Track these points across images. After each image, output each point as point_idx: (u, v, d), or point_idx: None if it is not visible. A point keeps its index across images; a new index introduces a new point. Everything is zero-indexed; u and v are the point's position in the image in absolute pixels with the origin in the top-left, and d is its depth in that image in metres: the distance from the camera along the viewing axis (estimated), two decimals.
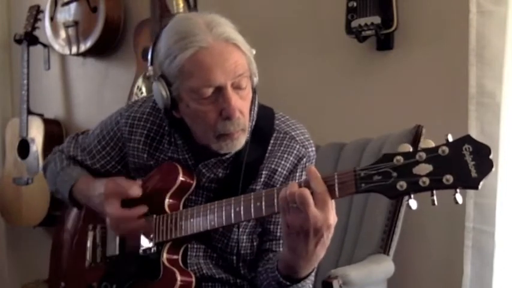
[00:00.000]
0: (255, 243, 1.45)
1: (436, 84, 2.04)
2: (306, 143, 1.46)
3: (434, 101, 2.05)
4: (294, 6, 2.39)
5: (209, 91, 1.31)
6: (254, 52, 1.38)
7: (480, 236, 1.88)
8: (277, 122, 1.47)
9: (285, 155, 1.43)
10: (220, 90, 1.31)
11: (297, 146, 1.44)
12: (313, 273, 1.31)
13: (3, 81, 3.57)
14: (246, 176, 1.41)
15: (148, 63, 1.40)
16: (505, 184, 1.85)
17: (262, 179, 1.42)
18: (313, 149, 1.47)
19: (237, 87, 1.32)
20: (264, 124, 1.46)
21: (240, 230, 1.42)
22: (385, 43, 2.12)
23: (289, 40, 2.41)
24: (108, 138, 1.57)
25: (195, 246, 1.45)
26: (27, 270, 3.43)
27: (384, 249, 1.81)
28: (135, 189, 1.43)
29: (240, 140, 1.37)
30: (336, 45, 2.25)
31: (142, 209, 1.42)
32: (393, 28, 2.05)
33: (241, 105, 1.34)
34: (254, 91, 1.42)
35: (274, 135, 1.45)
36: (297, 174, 1.44)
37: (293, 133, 1.45)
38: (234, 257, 1.45)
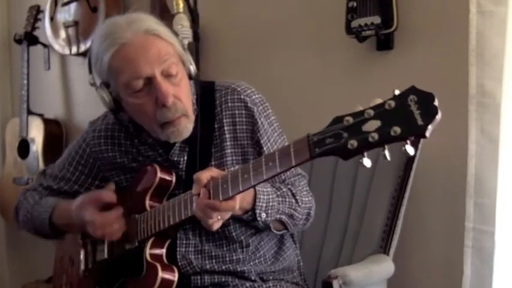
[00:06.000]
0: None
1: (436, 84, 2.02)
2: (248, 91, 1.49)
3: None
4: (294, 6, 2.39)
5: (140, 83, 1.35)
6: (186, 42, 1.42)
7: (480, 236, 1.87)
8: (216, 83, 1.51)
9: (236, 111, 1.46)
10: (150, 80, 1.35)
11: (241, 96, 1.47)
12: (261, 198, 1.36)
13: (3, 81, 3.57)
14: (205, 141, 1.44)
15: (88, 71, 1.43)
16: (505, 184, 1.85)
17: (227, 143, 1.45)
18: (258, 95, 1.50)
19: (167, 75, 1.36)
20: (206, 90, 1.49)
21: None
22: (385, 43, 2.11)
23: (289, 40, 2.41)
24: (78, 157, 1.60)
25: (185, 241, 1.47)
26: (27, 270, 3.43)
27: (384, 249, 1.81)
28: (109, 194, 1.47)
29: (184, 125, 1.40)
30: (336, 45, 2.25)
31: (119, 210, 1.45)
32: (393, 28, 2.05)
33: (176, 91, 1.37)
34: (195, 80, 1.46)
35: (217, 94, 1.48)
36: (259, 123, 1.47)
37: (233, 85, 1.49)
38: (234, 225, 1.46)
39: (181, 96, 1.38)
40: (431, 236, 2.06)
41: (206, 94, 1.48)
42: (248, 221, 1.41)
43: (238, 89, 1.48)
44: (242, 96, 1.47)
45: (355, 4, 2.07)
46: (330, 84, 2.31)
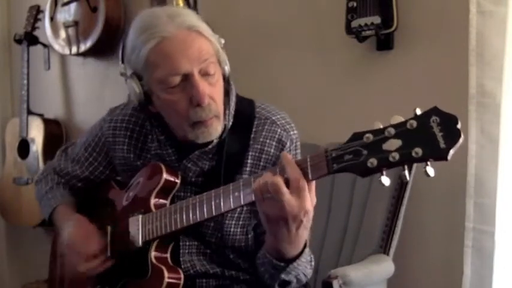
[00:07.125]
0: (249, 236, 1.45)
1: (436, 84, 2.04)
2: (287, 126, 1.46)
3: (434, 101, 2.02)
4: (294, 6, 2.39)
5: (176, 79, 1.32)
6: (223, 41, 1.40)
7: (480, 236, 1.88)
8: (257, 109, 1.48)
9: (268, 140, 1.43)
10: (187, 77, 1.32)
11: (278, 130, 1.44)
12: (305, 252, 1.30)
13: (3, 81, 3.57)
14: (230, 165, 1.42)
15: (120, 61, 1.41)
16: (505, 184, 1.85)
17: (248, 168, 1.42)
18: (295, 132, 1.47)
19: (204, 73, 1.33)
20: (245, 113, 1.46)
21: (233, 222, 1.43)
22: (385, 43, 2.12)
23: (289, 40, 2.42)
24: (94, 144, 1.59)
25: (188, 243, 1.46)
26: (27, 270, 3.43)
27: (384, 249, 1.81)
28: (99, 244, 1.47)
29: (215, 127, 1.37)
30: (336, 45, 2.25)
31: (102, 258, 1.47)
32: (393, 28, 2.05)
33: (211, 92, 1.34)
34: (228, 81, 1.43)
35: (256, 122, 1.45)
36: None
37: (274, 118, 1.46)
38: (230, 250, 1.45)
39: (215, 97, 1.35)
40: (431, 236, 2.06)
41: (244, 117, 1.45)
42: (275, 267, 1.32)
43: (278, 122, 1.45)
44: (279, 130, 1.44)
45: (355, 4, 2.08)
46: (330, 84, 2.31)
